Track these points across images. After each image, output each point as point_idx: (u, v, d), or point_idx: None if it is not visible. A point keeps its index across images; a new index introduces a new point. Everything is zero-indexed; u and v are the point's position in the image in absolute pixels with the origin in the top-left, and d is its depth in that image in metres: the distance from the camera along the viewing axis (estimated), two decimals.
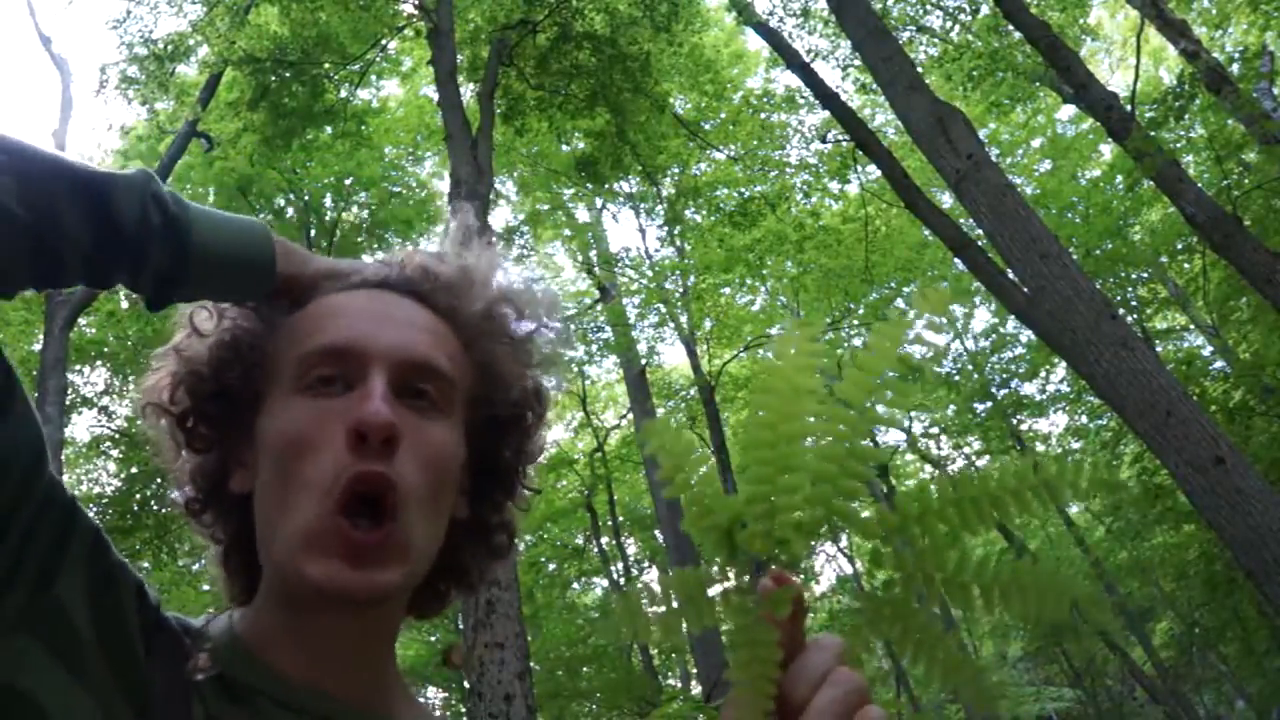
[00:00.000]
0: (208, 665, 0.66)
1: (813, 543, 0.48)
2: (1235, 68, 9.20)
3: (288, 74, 10.94)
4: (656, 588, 0.49)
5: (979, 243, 7.60)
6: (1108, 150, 15.27)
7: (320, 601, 0.67)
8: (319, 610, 0.69)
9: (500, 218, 16.78)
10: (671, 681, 20.39)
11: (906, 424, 19.66)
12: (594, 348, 16.53)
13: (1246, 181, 9.43)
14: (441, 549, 0.74)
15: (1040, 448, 17.51)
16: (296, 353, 0.72)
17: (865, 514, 0.49)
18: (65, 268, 0.62)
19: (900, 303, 17.84)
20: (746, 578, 0.49)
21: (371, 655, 0.73)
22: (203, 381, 0.75)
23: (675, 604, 0.49)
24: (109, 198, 0.63)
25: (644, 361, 15.89)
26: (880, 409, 0.47)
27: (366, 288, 0.76)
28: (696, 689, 15.03)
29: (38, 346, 10.77)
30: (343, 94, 12.05)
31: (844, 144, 11.06)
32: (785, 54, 10.01)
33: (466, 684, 6.07)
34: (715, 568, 0.49)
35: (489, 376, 0.79)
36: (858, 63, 11.27)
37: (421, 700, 0.83)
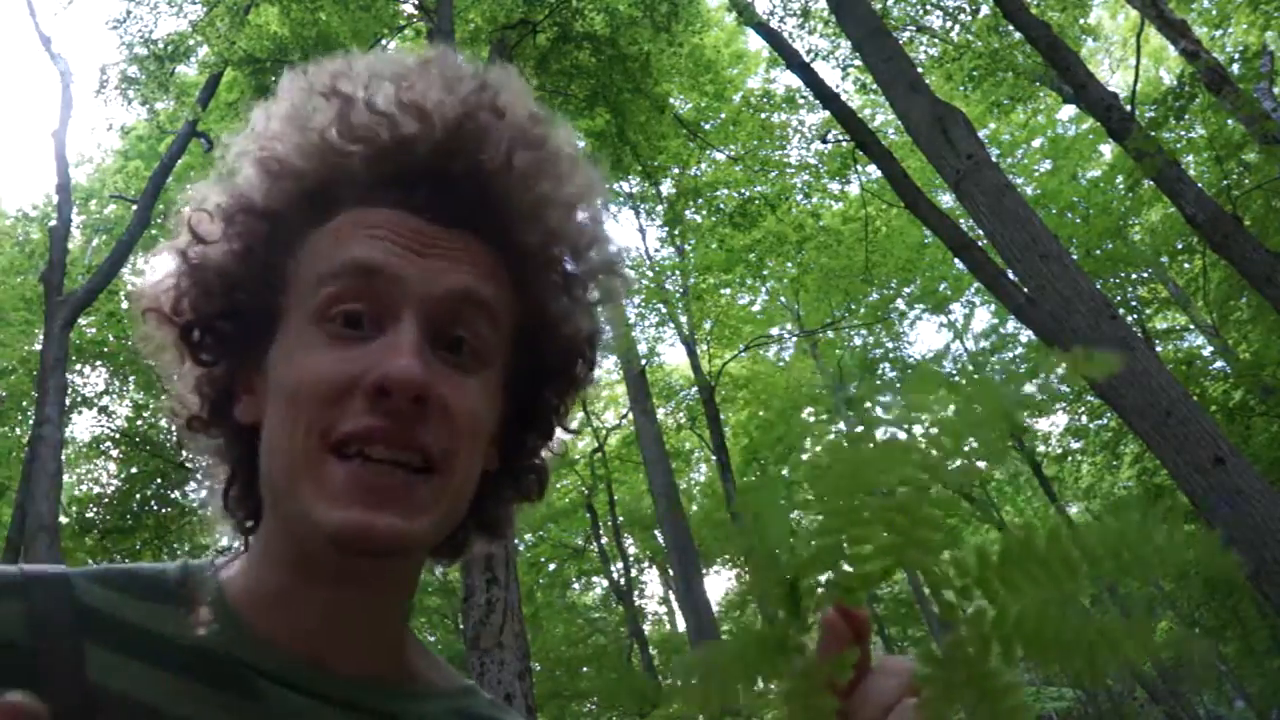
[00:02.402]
0: (189, 617, 0.62)
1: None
2: (1235, 68, 9.20)
3: None
4: (712, 658, 0.43)
5: (979, 243, 7.59)
6: (1108, 150, 15.27)
7: (334, 555, 0.61)
8: (331, 568, 0.63)
9: None
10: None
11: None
12: None
13: (1246, 181, 9.43)
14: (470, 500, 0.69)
15: (1040, 448, 17.50)
16: (318, 269, 0.65)
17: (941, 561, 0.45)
18: None
19: (900, 303, 17.85)
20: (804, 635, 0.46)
21: (383, 617, 0.68)
22: (210, 296, 0.68)
23: (736, 674, 0.45)
24: None
25: (644, 361, 15.90)
26: (964, 463, 0.43)
27: (405, 208, 0.67)
28: None
29: (38, 346, 10.77)
30: None
31: (844, 144, 11.06)
32: (785, 54, 10.00)
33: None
34: (777, 623, 0.45)
35: (540, 319, 0.72)
36: (858, 63, 11.27)
37: (439, 661, 0.78)
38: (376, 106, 0.68)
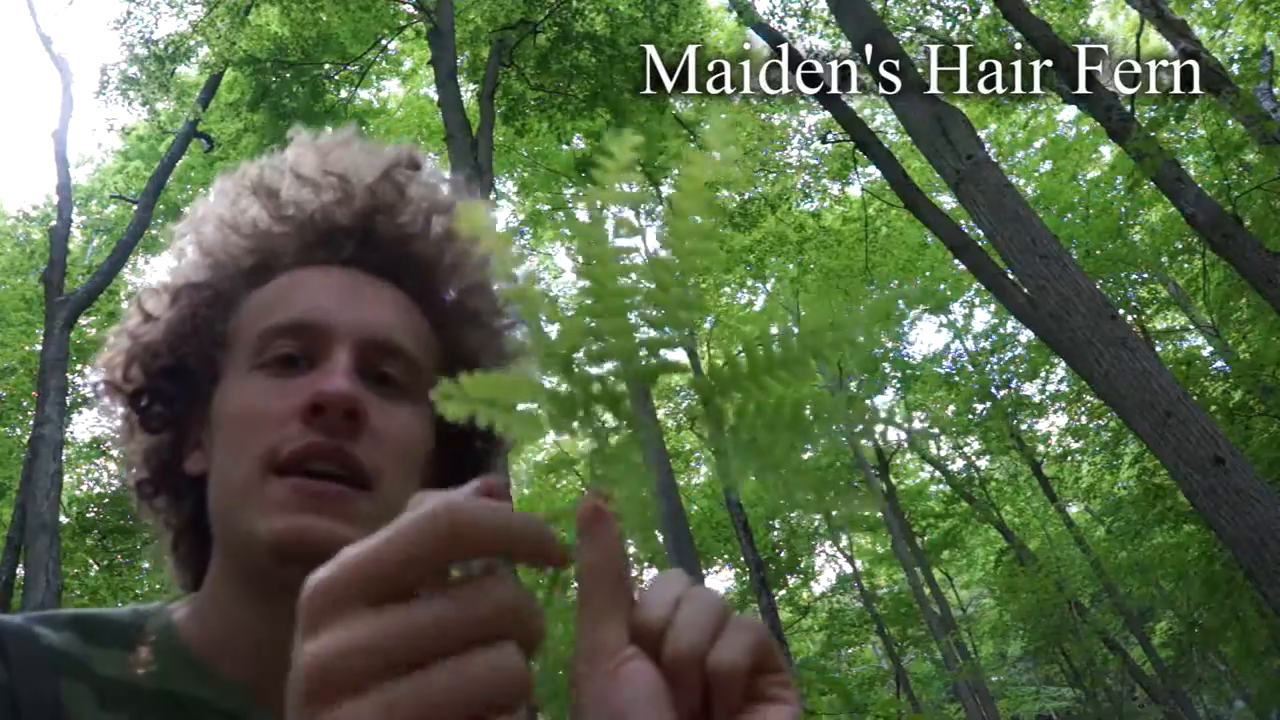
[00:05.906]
0: (149, 661, 0.63)
1: (644, 394, 0.45)
2: (1235, 68, 9.20)
3: (288, 74, 10.95)
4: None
5: (979, 243, 7.59)
6: (1108, 151, 15.28)
7: (275, 568, 0.61)
8: (272, 584, 0.63)
9: (500, 218, 16.80)
10: None
11: (906, 424, 19.64)
12: None
13: (1246, 181, 9.43)
14: None
15: (1040, 448, 17.51)
16: (257, 328, 0.69)
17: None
18: None
19: (901, 304, 17.85)
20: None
21: None
22: (157, 358, 0.72)
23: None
24: None
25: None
26: (697, 256, 0.44)
27: (333, 264, 0.74)
28: None
29: (38, 346, 10.76)
30: (343, 94, 12.05)
31: (844, 144, 11.07)
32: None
33: None
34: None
35: (460, 362, 0.74)
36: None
37: None
38: (302, 174, 0.75)
